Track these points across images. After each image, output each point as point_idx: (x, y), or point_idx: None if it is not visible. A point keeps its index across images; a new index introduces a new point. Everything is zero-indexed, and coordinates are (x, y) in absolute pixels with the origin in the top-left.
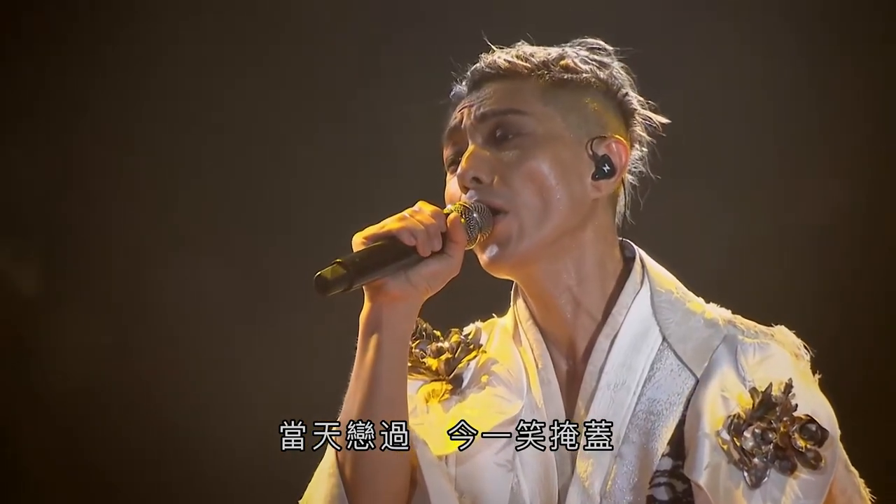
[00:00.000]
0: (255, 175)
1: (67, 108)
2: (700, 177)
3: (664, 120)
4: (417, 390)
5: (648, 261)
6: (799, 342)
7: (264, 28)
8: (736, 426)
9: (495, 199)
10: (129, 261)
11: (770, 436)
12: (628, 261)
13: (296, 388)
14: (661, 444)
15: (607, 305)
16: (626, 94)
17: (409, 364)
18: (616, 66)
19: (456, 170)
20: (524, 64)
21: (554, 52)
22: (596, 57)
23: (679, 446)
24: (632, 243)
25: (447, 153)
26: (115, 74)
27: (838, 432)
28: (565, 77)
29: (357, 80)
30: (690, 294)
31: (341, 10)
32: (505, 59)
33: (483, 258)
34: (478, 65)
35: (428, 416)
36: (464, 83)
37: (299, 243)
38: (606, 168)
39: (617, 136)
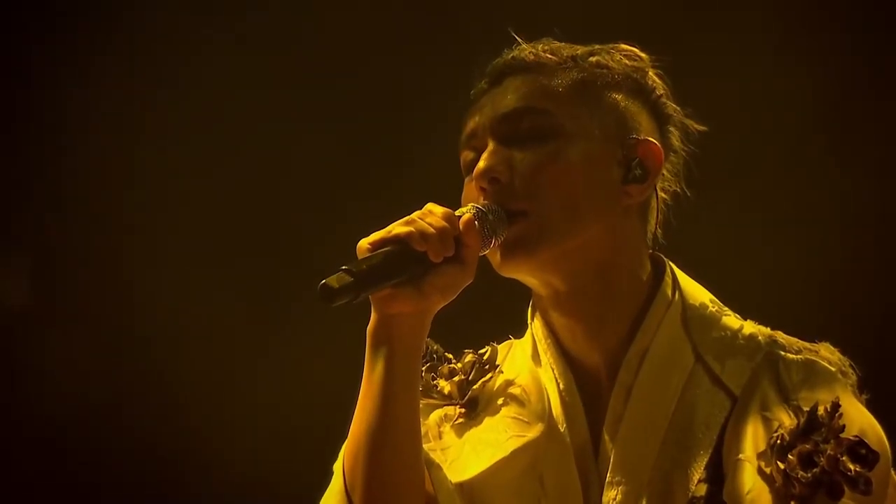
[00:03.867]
0: (256, 183)
1: (58, 117)
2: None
3: (701, 128)
4: (429, 416)
5: (680, 274)
6: (845, 360)
7: (283, 45)
8: (779, 448)
9: (515, 201)
10: (122, 275)
11: (816, 459)
12: (659, 274)
13: (295, 405)
14: (697, 470)
15: (636, 321)
16: (661, 96)
17: (420, 388)
18: (650, 72)
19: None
20: (551, 57)
21: (582, 48)
22: (629, 61)
23: (717, 471)
24: (662, 256)
25: (465, 156)
26: (110, 83)
27: (889, 455)
28: (595, 72)
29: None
30: (727, 309)
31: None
32: (530, 52)
33: (497, 258)
34: (499, 59)
35: (441, 441)
36: (483, 81)
37: (300, 253)
38: (639, 172)
39: (651, 139)
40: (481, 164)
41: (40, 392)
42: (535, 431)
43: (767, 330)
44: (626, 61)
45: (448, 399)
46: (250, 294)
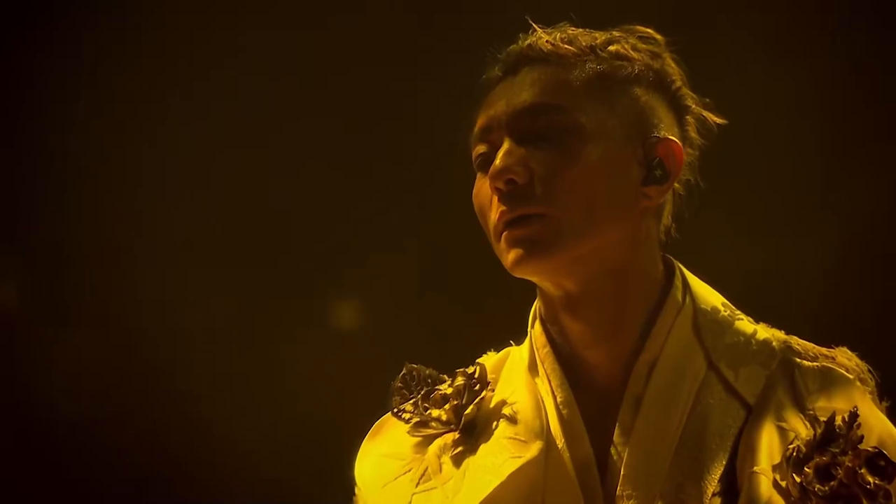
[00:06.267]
0: (262, 182)
1: (62, 117)
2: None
3: (721, 120)
4: (427, 449)
5: (691, 276)
6: (864, 365)
7: (285, 46)
8: (795, 461)
9: (532, 204)
10: (129, 275)
11: (833, 471)
12: (669, 277)
13: (306, 404)
14: (711, 483)
15: (645, 326)
16: (680, 87)
17: (417, 420)
18: (667, 57)
19: (487, 170)
20: (569, 48)
21: (601, 36)
22: (646, 46)
23: (731, 484)
24: (671, 258)
25: (479, 149)
26: (114, 83)
27: None
28: (615, 65)
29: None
30: (739, 312)
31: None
32: (547, 42)
33: (509, 259)
34: (515, 46)
35: (441, 476)
36: (497, 68)
37: (310, 251)
38: (659, 172)
39: (672, 137)
40: (497, 163)
41: (41, 392)
42: (533, 450)
43: (782, 334)
44: (643, 45)
45: (448, 425)
46: (259, 293)
